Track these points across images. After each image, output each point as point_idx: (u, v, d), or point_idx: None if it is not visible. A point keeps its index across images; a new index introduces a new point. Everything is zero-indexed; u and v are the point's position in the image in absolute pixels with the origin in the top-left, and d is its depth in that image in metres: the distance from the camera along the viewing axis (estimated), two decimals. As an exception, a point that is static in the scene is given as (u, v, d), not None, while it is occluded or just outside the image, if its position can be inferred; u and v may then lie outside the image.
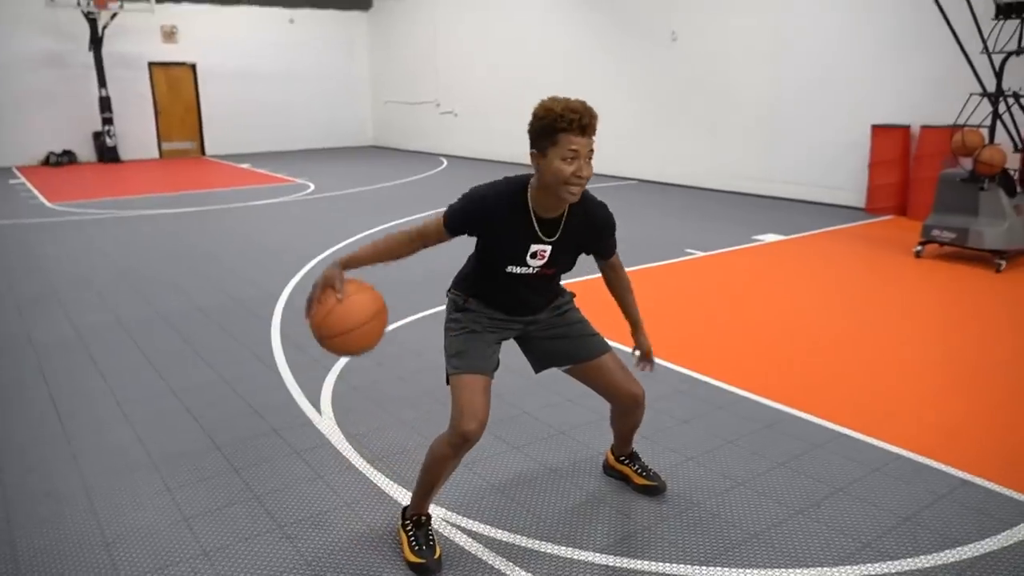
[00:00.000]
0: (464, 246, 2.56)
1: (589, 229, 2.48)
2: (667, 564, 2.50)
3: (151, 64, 17.08)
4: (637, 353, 2.82)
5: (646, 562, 2.51)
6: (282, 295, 5.81)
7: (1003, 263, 6.33)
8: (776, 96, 10.27)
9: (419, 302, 5.53)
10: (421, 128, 18.23)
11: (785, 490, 2.96)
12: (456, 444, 2.37)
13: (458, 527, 2.73)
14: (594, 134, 2.22)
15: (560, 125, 2.17)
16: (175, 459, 3.24)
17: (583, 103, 2.21)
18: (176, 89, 17.61)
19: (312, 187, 12.02)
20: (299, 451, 3.32)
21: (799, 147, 10.13)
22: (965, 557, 2.53)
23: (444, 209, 2.38)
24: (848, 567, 2.48)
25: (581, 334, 2.69)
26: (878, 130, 9.07)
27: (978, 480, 3.01)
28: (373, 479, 3.09)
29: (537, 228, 2.37)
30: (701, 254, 7.08)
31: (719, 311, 5.44)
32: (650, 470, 2.98)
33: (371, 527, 2.74)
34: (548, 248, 2.41)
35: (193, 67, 17.60)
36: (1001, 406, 3.72)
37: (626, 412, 2.77)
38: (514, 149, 15.02)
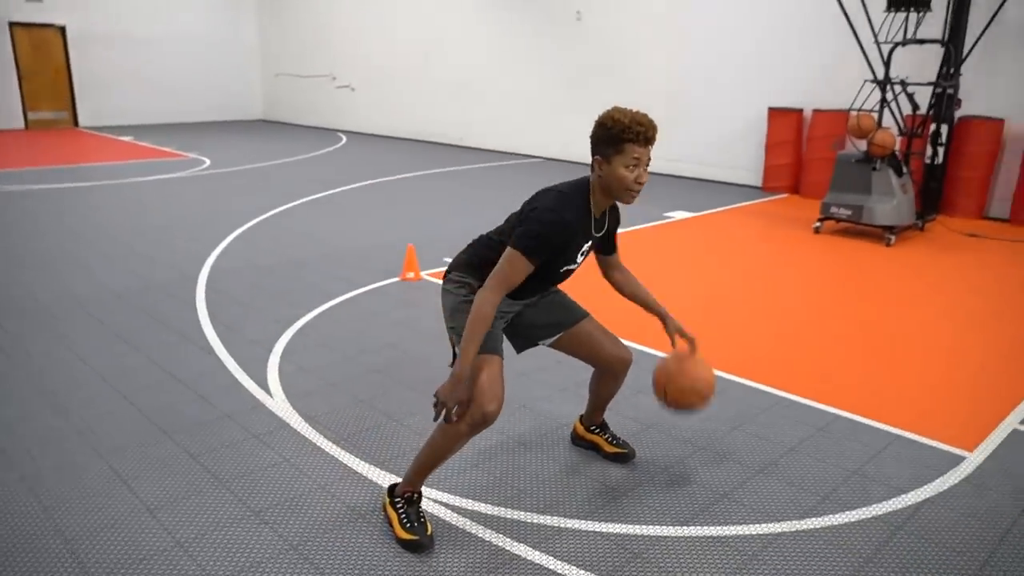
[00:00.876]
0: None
1: (613, 221, 2.66)
2: (649, 526, 2.61)
3: (12, 24, 15.64)
4: (679, 339, 2.76)
5: (629, 525, 2.61)
6: (200, 276, 5.54)
7: (893, 238, 6.87)
8: (680, 77, 10.63)
9: (354, 279, 5.42)
10: (316, 103, 17.67)
11: (743, 452, 3.14)
12: (475, 423, 2.37)
13: (441, 503, 2.73)
14: (653, 145, 2.39)
15: (627, 136, 2.34)
16: (121, 450, 3.06)
17: (647, 116, 2.39)
18: (43, 53, 16.22)
19: (208, 162, 11.44)
20: (258, 435, 3.21)
21: (701, 128, 10.54)
22: (910, 503, 2.78)
23: (518, 241, 2.33)
24: (813, 519, 2.67)
25: (561, 303, 2.76)
26: (774, 113, 9.57)
27: (908, 434, 3.30)
28: (343, 460, 3.03)
29: (593, 227, 2.52)
30: (619, 231, 7.26)
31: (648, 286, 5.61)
32: (619, 438, 3.08)
33: (351, 507, 2.70)
34: (590, 243, 2.56)
35: (62, 29, 16.25)
36: (916, 367, 4.07)
37: (613, 377, 2.85)
38: (416, 126, 14.86)
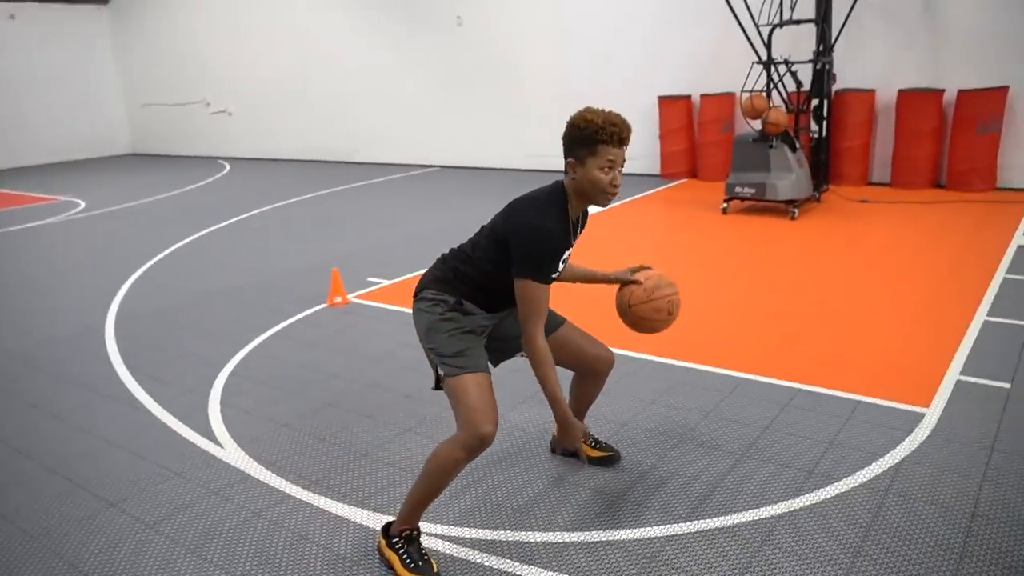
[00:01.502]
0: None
1: (583, 224, 2.58)
2: (654, 528, 2.56)
3: None
4: (635, 275, 2.76)
5: (634, 530, 2.55)
6: (106, 325, 5.10)
7: (796, 211, 7.18)
8: (568, 75, 10.74)
9: (279, 310, 5.13)
10: (190, 131, 16.80)
11: (721, 438, 3.15)
12: (472, 447, 2.26)
13: (437, 536, 2.59)
14: (628, 145, 2.35)
15: (601, 136, 2.28)
16: (63, 535, 2.74)
17: (620, 116, 2.33)
18: None
19: (83, 204, 10.63)
20: (218, 491, 2.95)
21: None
22: (890, 466, 2.86)
23: (526, 272, 2.30)
24: (807, 495, 2.70)
25: None
26: (664, 101, 9.83)
27: (867, 399, 3.41)
28: (319, 504, 2.83)
29: (571, 233, 2.44)
30: (536, 231, 7.24)
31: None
32: (601, 441, 3.03)
33: (340, 556, 2.52)
34: (571, 249, 2.48)
35: None
36: (853, 332, 4.23)
37: (596, 378, 2.79)
38: (302, 145, 14.39)
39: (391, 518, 2.57)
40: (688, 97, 9.73)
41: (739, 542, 2.46)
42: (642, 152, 10.35)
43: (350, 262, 6.31)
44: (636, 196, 8.87)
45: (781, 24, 7.56)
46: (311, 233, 7.92)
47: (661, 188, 9.39)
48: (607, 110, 2.33)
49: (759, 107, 7.14)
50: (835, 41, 7.70)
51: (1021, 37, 7.55)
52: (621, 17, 10.05)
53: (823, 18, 7.58)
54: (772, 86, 7.57)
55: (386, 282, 5.78)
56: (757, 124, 7.33)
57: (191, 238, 7.87)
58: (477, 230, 2.57)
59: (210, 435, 3.42)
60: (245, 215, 9.11)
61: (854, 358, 3.89)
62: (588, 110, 2.33)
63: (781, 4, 7.53)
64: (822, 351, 4.01)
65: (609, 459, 2.98)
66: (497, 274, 2.39)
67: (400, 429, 3.38)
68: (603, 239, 6.90)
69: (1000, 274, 5.10)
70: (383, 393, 3.76)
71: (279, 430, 3.44)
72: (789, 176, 7.19)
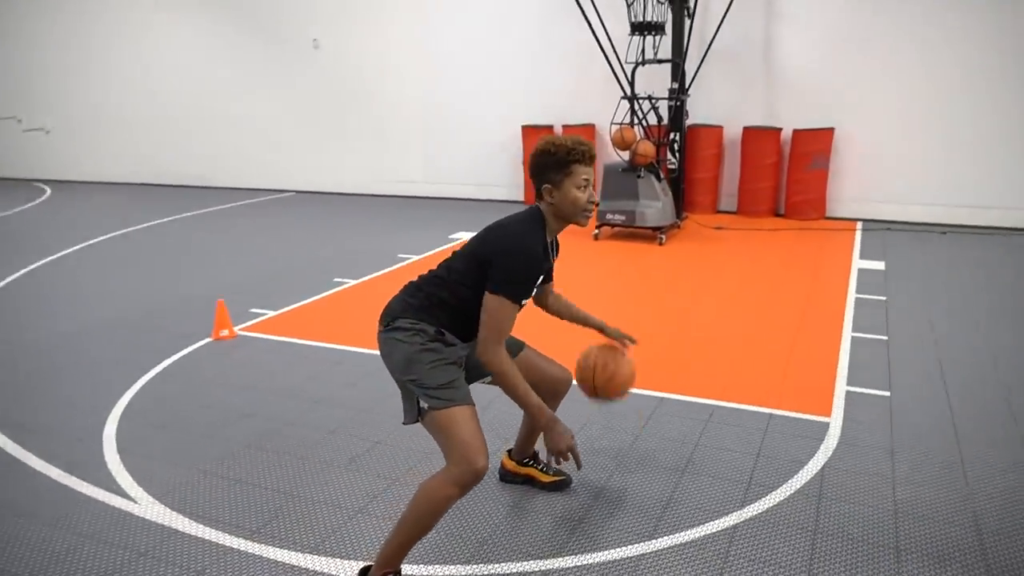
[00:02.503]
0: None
1: (556, 250, 2.61)
2: (622, 548, 2.62)
3: None
4: (624, 341, 2.84)
5: (604, 552, 2.60)
6: (-51, 370, 4.46)
7: (663, 237, 7.63)
8: (434, 102, 10.79)
9: (160, 347, 4.72)
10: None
11: (659, 456, 3.28)
12: (466, 482, 2.20)
13: (409, 576, 2.50)
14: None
15: (574, 157, 2.36)
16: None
17: (581, 137, 2.43)
18: None
19: None
20: (145, 552, 2.67)
21: (461, 149, 10.80)
22: (815, 473, 3.11)
23: (503, 288, 2.31)
24: (752, 506, 2.87)
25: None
26: (528, 130, 10.12)
27: (777, 412, 3.68)
28: (270, 555, 2.63)
29: (547, 257, 2.48)
30: (416, 257, 7.20)
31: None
32: (552, 466, 3.05)
33: (309, 608, 2.36)
34: (545, 274, 2.50)
35: None
36: (744, 349, 4.55)
37: (554, 398, 2.80)
38: (144, 168, 13.39)
39: (357, 563, 2.45)
40: (551, 127, 10.07)
41: (706, 555, 2.57)
42: (507, 180, 10.61)
43: (228, 293, 5.93)
44: (507, 223, 9.02)
45: (643, 63, 8.06)
46: (174, 263, 7.37)
47: (528, 215, 9.62)
48: (567, 135, 2.42)
49: (628, 139, 7.54)
50: (692, 81, 8.30)
51: (843, 85, 8.53)
52: (486, 48, 10.27)
53: (680, 58, 8.16)
54: (638, 120, 8.02)
55: (272, 312, 5.50)
56: (626, 155, 7.73)
57: (24, 270, 7.06)
58: (449, 256, 2.53)
59: (116, 489, 3.09)
60: (86, 243, 8.31)
61: (754, 375, 4.18)
62: (551, 136, 2.42)
63: (643, 44, 8.02)
64: (723, 369, 4.28)
65: (562, 483, 3.01)
66: (475, 299, 2.37)
67: (334, 467, 3.22)
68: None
69: (852, 294, 5.70)
70: (305, 431, 3.57)
71: (198, 477, 3.16)
72: (656, 204, 7.64)
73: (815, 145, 8.64)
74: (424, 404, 2.32)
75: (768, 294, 5.78)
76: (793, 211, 8.88)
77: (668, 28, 8.20)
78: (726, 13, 8.14)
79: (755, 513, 2.82)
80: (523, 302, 2.42)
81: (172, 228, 9.23)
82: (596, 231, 7.92)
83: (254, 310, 5.54)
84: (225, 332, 4.98)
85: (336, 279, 6.40)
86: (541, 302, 2.84)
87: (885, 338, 4.71)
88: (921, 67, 8.18)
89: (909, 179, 8.52)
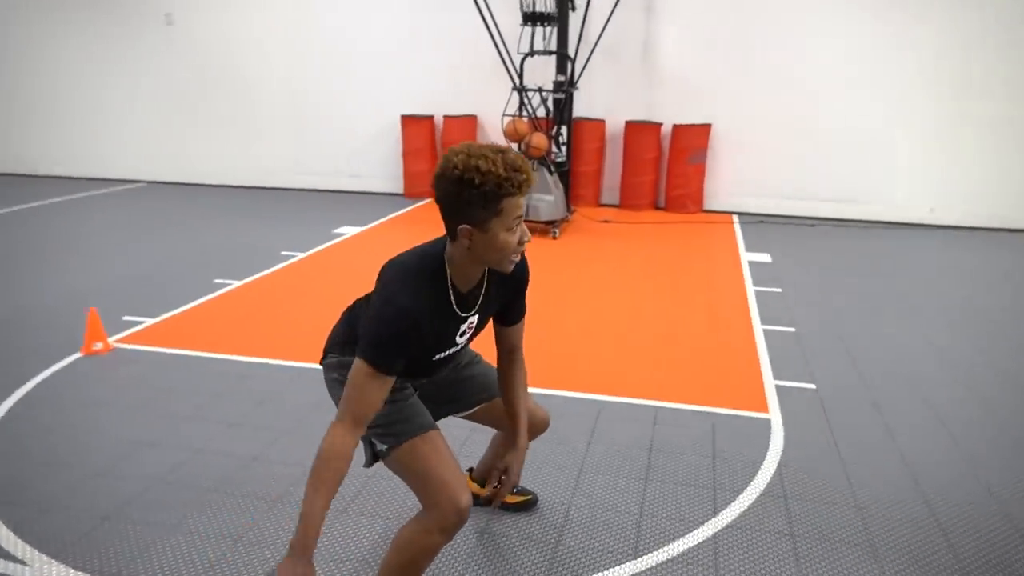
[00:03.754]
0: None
1: (506, 285, 2.09)
2: (609, 571, 2.47)
3: None
4: (502, 477, 2.16)
5: (596, 575, 2.44)
6: None
7: (557, 231, 7.57)
8: (301, 86, 10.15)
9: (23, 364, 4.04)
10: None
11: (616, 464, 3.15)
12: (450, 527, 1.92)
13: (388, 626, 2.21)
14: None
15: (506, 190, 1.71)
16: None
17: (519, 155, 1.76)
18: None
19: None
20: (56, 624, 2.21)
21: (336, 139, 10.24)
22: (772, 472, 3.10)
23: (364, 352, 1.77)
24: (725, 512, 2.81)
25: (484, 372, 2.40)
26: (407, 120, 9.75)
27: (719, 410, 3.67)
28: (214, 616, 2.25)
29: (457, 308, 1.94)
30: (303, 255, 6.71)
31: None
32: (518, 486, 2.84)
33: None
34: (475, 319, 2.05)
35: None
36: (666, 346, 4.54)
37: (531, 436, 2.57)
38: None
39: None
40: (431, 117, 9.76)
41: (696, 569, 2.46)
42: (385, 171, 10.20)
43: (92, 299, 5.22)
44: (393, 215, 8.66)
45: (531, 54, 7.95)
46: (18, 265, 6.43)
47: (410, 208, 9.28)
48: (493, 149, 1.74)
49: (521, 131, 7.41)
50: (581, 74, 8.28)
51: (720, 82, 8.84)
52: (364, 32, 9.77)
53: (567, 51, 8.12)
54: (531, 112, 7.90)
55: (150, 320, 4.89)
56: (515, 147, 7.59)
57: None
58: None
59: None
60: (-101, 242, 7.11)
61: (685, 373, 4.17)
62: (474, 156, 1.71)
63: (532, 35, 7.91)
64: (653, 368, 4.23)
65: (528, 503, 2.81)
66: None
67: (270, 502, 2.85)
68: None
69: (750, 287, 5.87)
70: (224, 460, 3.15)
71: (103, 528, 2.68)
72: (549, 198, 7.56)
73: (694, 140, 8.91)
74: (380, 445, 2.00)
75: (672, 288, 5.84)
76: (673, 204, 9.12)
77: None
78: (614, 9, 8.17)
79: (730, 520, 2.76)
80: (397, 369, 1.82)
81: (9, 223, 8.10)
82: (489, 225, 7.72)
83: (128, 318, 4.91)
84: (99, 345, 4.36)
85: (217, 280, 5.82)
86: (498, 354, 2.29)
87: (793, 330, 4.86)
88: (792, 66, 8.61)
89: (780, 174, 8.98)
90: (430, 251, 1.92)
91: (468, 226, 1.76)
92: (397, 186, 10.15)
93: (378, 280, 1.91)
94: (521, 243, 1.84)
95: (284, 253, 6.73)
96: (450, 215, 1.79)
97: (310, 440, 3.23)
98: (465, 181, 1.69)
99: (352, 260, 6.66)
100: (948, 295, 5.79)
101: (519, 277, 2.11)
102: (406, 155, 9.88)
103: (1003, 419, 3.65)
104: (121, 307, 5.10)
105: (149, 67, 10.65)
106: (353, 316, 2.17)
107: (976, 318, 5.24)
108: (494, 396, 2.37)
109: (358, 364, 1.77)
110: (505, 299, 2.13)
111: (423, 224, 8.34)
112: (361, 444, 1.96)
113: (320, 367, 2.21)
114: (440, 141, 9.83)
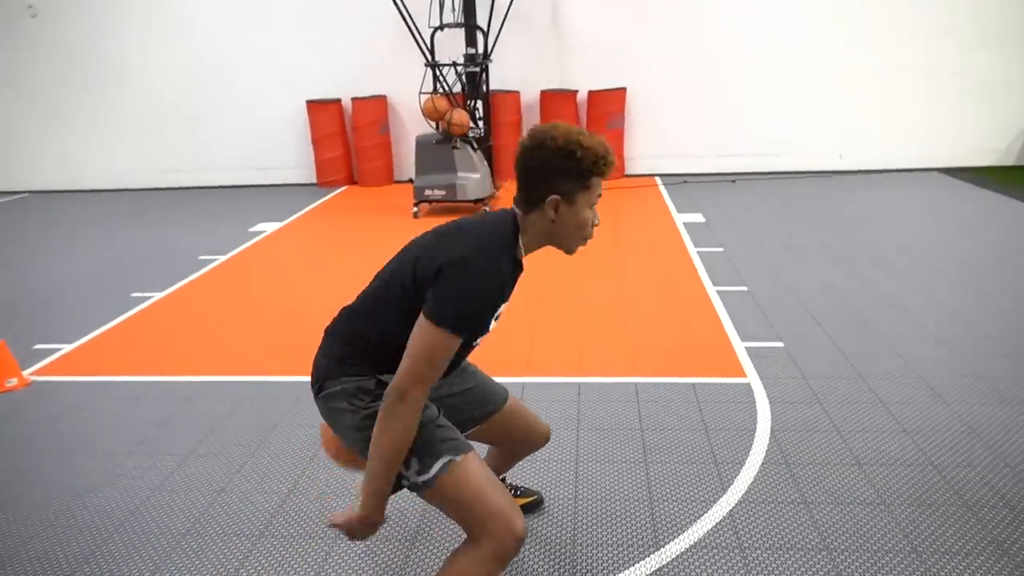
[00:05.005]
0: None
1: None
2: (637, 566, 2.35)
3: None
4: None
5: (622, 574, 2.31)
6: None
7: (487, 208, 7.36)
8: (194, 77, 9.50)
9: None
10: None
11: (610, 447, 3.03)
12: (509, 555, 1.75)
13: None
14: None
15: (598, 169, 1.78)
16: None
17: (604, 138, 1.83)
18: None
19: None
20: None
21: (233, 133, 9.65)
22: (768, 439, 3.05)
23: (445, 314, 1.67)
24: (736, 487, 2.74)
25: (483, 382, 2.21)
26: (313, 106, 9.28)
27: (698, 379, 3.60)
28: None
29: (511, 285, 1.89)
30: (223, 258, 6.27)
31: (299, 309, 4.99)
32: (519, 487, 2.68)
33: None
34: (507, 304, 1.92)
35: None
36: (633, 319, 4.45)
37: (530, 451, 2.40)
38: None
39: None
40: (339, 101, 9.32)
41: (722, 553, 2.37)
42: (294, 161, 9.72)
43: (-7, 329, 4.70)
44: (305, 209, 8.23)
45: (441, 27, 7.66)
46: None
47: (327, 198, 8.87)
48: (587, 131, 1.79)
49: (441, 108, 7.13)
50: (494, 46, 8.04)
51: (630, 46, 8.79)
52: (258, 15, 9.19)
53: (476, 23, 7.86)
54: (447, 89, 7.63)
55: (66, 347, 4.43)
56: (442, 125, 7.33)
57: None
58: (372, 279, 1.95)
59: (-58, 633, 2.21)
60: None
61: (653, 344, 4.09)
62: (574, 132, 1.76)
63: (442, 7, 7.61)
64: (617, 343, 4.13)
65: (535, 504, 2.65)
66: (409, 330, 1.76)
67: (252, 539, 2.58)
68: (307, 256, 6.25)
69: (691, 249, 5.87)
70: (187, 497, 2.84)
71: (64, 590, 2.36)
72: (475, 176, 7.35)
73: (610, 105, 8.85)
74: (419, 477, 1.79)
75: (617, 259, 5.76)
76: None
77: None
78: (518, -25, 7.96)
79: (741, 494, 2.69)
80: (474, 341, 1.89)
81: None
82: (415, 208, 7.46)
83: (41, 346, 4.43)
84: (12, 381, 3.91)
85: (135, 294, 5.35)
86: None
87: (745, 288, 4.87)
88: (700, 26, 8.65)
89: (696, 134, 9.06)
90: (504, 219, 1.84)
91: (558, 196, 1.78)
92: (309, 176, 9.69)
93: (439, 244, 1.79)
94: (594, 224, 1.87)
95: (203, 258, 6.27)
96: (540, 184, 1.78)
97: (278, 463, 2.99)
98: (568, 153, 1.74)
99: (278, 258, 6.27)
100: (874, 237, 5.95)
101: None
102: (316, 142, 9.43)
103: (959, 352, 3.74)
104: (30, 335, 4.60)
105: (14, 65, 9.71)
106: (352, 328, 1.91)
107: (906, 257, 5.40)
108: (498, 408, 2.20)
109: (436, 329, 1.66)
110: None
111: (344, 213, 7.98)
112: None
113: (314, 396, 1.95)
114: (351, 125, 9.42)
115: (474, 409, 2.17)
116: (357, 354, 1.87)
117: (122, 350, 4.35)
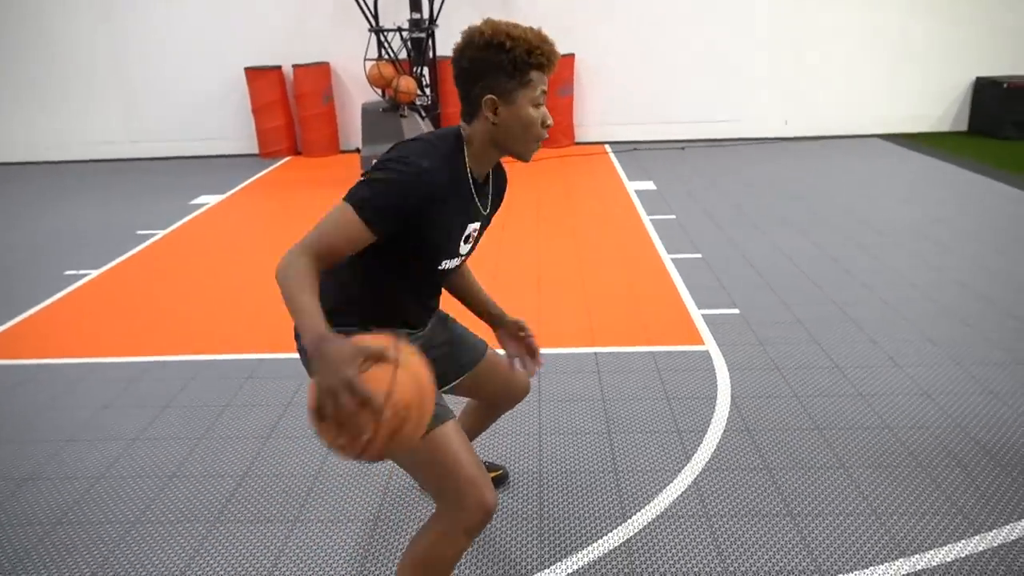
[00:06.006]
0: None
1: (499, 194, 1.94)
2: (605, 539, 2.33)
3: None
4: (518, 347, 2.09)
5: (588, 550, 2.29)
6: None
7: (437, 179, 7.22)
8: (119, 48, 9.04)
9: None
10: None
11: (575, 420, 3.01)
12: (477, 527, 1.70)
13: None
14: None
15: (535, 60, 1.63)
16: None
17: (542, 31, 1.67)
18: None
19: None
20: None
21: (168, 102, 9.25)
22: (729, 407, 3.07)
23: (352, 193, 1.58)
24: (699, 456, 2.74)
25: (463, 333, 2.15)
26: (252, 73, 8.94)
27: (659, 348, 3.60)
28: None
29: (477, 198, 1.78)
30: (163, 232, 6.02)
31: (240, 282, 4.83)
32: (484, 462, 2.62)
33: None
34: (478, 225, 1.84)
35: None
36: (589, 289, 4.42)
37: (510, 405, 2.35)
38: None
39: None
40: (279, 68, 9.00)
41: (688, 522, 2.37)
42: (234, 131, 9.39)
43: (-86, 312, 4.41)
44: (248, 181, 7.95)
45: (385, -10, 7.42)
46: None
47: (269, 169, 8.58)
48: (523, 24, 1.66)
49: (387, 75, 6.93)
50: (440, 10, 7.83)
51: (579, 12, 8.68)
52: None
53: (422, -14, 7.64)
54: (393, 55, 7.42)
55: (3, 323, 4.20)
56: (385, 92, 7.13)
57: None
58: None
59: None
60: None
61: (610, 311, 4.07)
62: (503, 23, 1.63)
63: (384, -31, 7.36)
64: (574, 313, 4.10)
65: (500, 478, 2.61)
66: (406, 266, 1.75)
67: (208, 523, 2.48)
68: (255, 230, 6.05)
69: (644, 217, 5.86)
70: (135, 484, 2.72)
71: (5, 588, 2.23)
72: (424, 145, 7.18)
73: (559, 72, 8.72)
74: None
75: (570, 227, 5.72)
76: (546, 139, 8.97)
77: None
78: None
79: (704, 463, 2.69)
80: (439, 264, 1.76)
81: None
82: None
83: (-33, 328, 4.19)
84: (-60, 367, 3.68)
85: (69, 272, 5.09)
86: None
87: (700, 256, 4.89)
88: (646, -8, 8.59)
89: (644, 101, 9.04)
90: (445, 131, 1.74)
91: (494, 96, 1.65)
92: (251, 146, 9.37)
93: (381, 158, 1.65)
94: (545, 124, 1.71)
95: (140, 233, 6.01)
96: (473, 85, 1.67)
97: (231, 444, 2.88)
98: (495, 45, 1.61)
99: (220, 232, 6.05)
100: (821, 203, 6.04)
101: (504, 184, 1.95)
102: (256, 111, 9.11)
103: (908, 315, 3.82)
104: (-45, 317, 4.34)
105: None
106: (335, 278, 1.75)
107: (852, 221, 5.49)
108: (479, 359, 2.14)
109: (340, 204, 1.57)
110: (495, 210, 1.92)
111: (289, 187, 7.75)
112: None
113: (298, 355, 1.84)
114: (292, 93, 9.12)
115: (457, 361, 2.10)
116: (341, 304, 1.77)
117: (58, 331, 4.14)
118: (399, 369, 1.35)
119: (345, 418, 1.27)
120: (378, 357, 1.34)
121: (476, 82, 1.66)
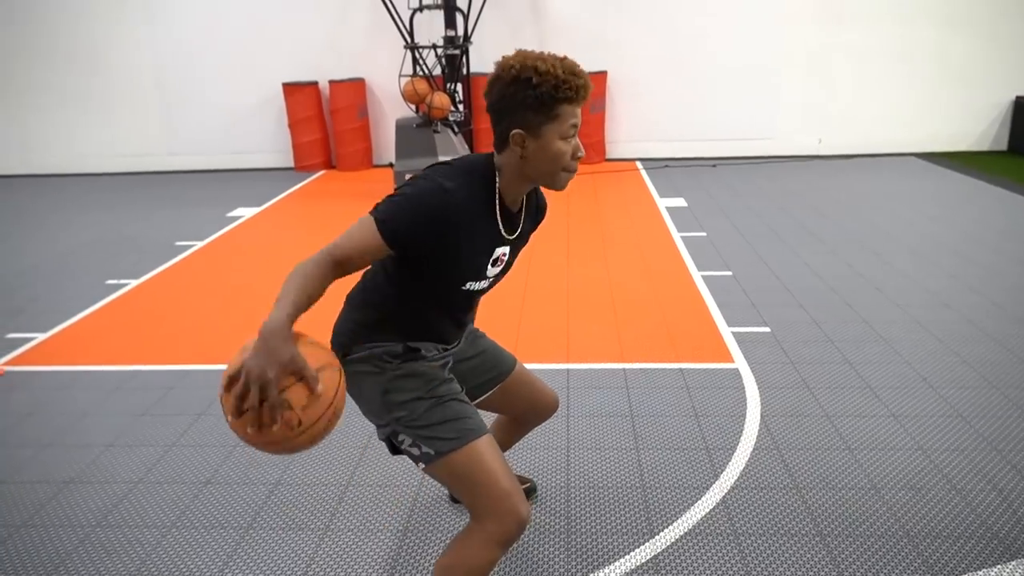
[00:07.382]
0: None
1: (534, 217, 1.99)
2: (637, 551, 2.33)
3: None
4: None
5: (611, 567, 2.30)
6: None
7: (468, 194, 7.29)
8: (169, 62, 9.30)
9: None
10: None
11: (602, 436, 3.02)
12: (510, 539, 1.73)
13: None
14: None
15: (563, 94, 1.62)
16: None
17: (571, 61, 1.66)
18: None
19: None
20: None
21: (206, 116, 9.47)
22: (758, 425, 3.06)
23: (377, 207, 1.64)
24: (728, 473, 2.73)
25: (493, 348, 2.19)
26: (289, 89, 9.12)
27: (685, 365, 3.60)
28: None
29: (502, 227, 1.80)
30: (200, 244, 6.15)
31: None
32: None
33: None
34: (507, 249, 1.87)
35: None
36: (616, 306, 4.43)
37: (539, 420, 2.38)
38: None
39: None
40: (315, 83, 9.17)
41: (716, 539, 2.37)
42: (271, 145, 9.58)
43: (-37, 318, 4.56)
44: (283, 194, 8.10)
45: (421, 8, 7.55)
46: None
47: (304, 183, 8.74)
48: (554, 55, 1.66)
49: (421, 91, 7.04)
50: (474, 28, 7.94)
51: (610, 29, 8.74)
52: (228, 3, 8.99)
53: (466, 5, 7.75)
54: (427, 71, 7.53)
55: (41, 335, 4.32)
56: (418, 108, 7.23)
57: None
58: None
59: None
60: None
61: (641, 328, 4.07)
62: (531, 56, 1.64)
63: (420, -11, 7.51)
64: (604, 329, 4.11)
65: (528, 492, 2.63)
66: (437, 285, 1.79)
67: (240, 530, 2.53)
68: (288, 241, 6.16)
69: (675, 234, 5.86)
70: (172, 489, 2.78)
71: (46, 587, 2.30)
72: (456, 160, 7.26)
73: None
74: (427, 449, 1.77)
75: (602, 244, 5.74)
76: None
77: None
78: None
79: (733, 480, 2.69)
80: (466, 285, 1.79)
81: None
82: (396, 193, 7.36)
83: (13, 335, 4.32)
84: (-15, 371, 3.81)
85: (110, 281, 5.23)
86: None
87: (730, 273, 4.88)
88: (679, 9, 8.61)
89: (676, 118, 9.05)
90: (478, 158, 1.77)
91: (521, 131, 1.66)
92: (287, 160, 9.55)
93: (412, 177, 1.71)
94: (575, 156, 1.72)
95: (179, 244, 6.15)
96: (502, 119, 1.69)
97: (265, 452, 2.92)
98: (522, 80, 1.62)
99: (256, 243, 6.17)
100: (854, 221, 5.99)
101: (543, 208, 2.01)
102: (292, 126, 9.29)
103: (942, 336, 3.77)
104: (1, 324, 4.48)
105: (-18, 46, 9.44)
106: (369, 296, 1.86)
107: (886, 240, 5.44)
108: (506, 373, 2.17)
109: (364, 217, 1.63)
110: (530, 233, 1.98)
111: (323, 198, 7.88)
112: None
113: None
114: (328, 108, 9.29)
115: (485, 374, 2.14)
116: (379, 321, 1.84)
117: (99, 339, 4.25)
118: (312, 396, 1.49)
119: (247, 403, 1.42)
120: (300, 377, 1.48)
121: (504, 116, 1.68)
